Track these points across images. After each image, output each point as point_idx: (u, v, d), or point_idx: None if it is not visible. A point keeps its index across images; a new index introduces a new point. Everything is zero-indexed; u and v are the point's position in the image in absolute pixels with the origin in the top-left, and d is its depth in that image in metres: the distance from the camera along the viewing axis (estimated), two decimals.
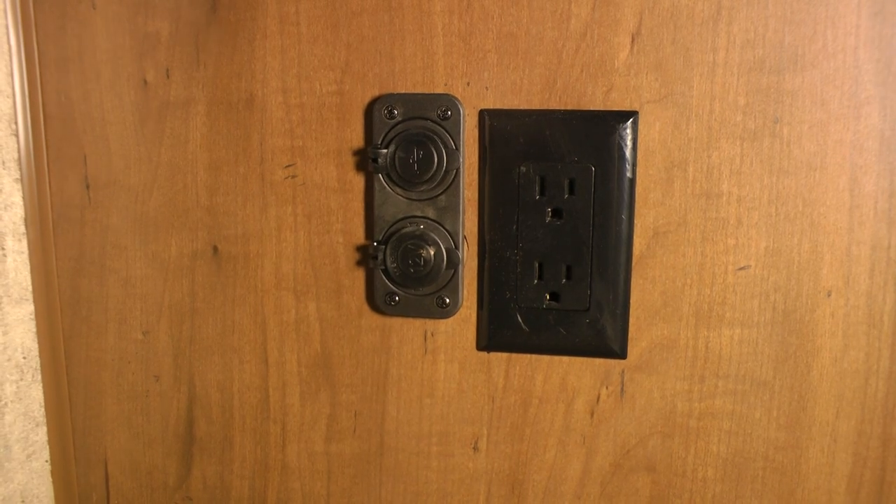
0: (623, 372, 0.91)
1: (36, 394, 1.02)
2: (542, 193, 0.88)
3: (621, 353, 0.90)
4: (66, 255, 1.00)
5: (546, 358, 0.93)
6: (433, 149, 0.89)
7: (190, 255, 0.98)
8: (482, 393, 0.95)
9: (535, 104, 0.88)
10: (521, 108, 0.88)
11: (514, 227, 0.89)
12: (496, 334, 0.93)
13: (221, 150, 0.95)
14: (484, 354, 0.94)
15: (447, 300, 0.92)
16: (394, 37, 0.89)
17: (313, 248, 0.95)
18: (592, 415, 0.93)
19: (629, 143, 0.86)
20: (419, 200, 0.91)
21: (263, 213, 0.95)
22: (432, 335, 0.95)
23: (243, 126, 0.94)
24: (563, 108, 0.88)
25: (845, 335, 0.86)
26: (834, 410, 0.88)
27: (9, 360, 0.98)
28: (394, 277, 0.92)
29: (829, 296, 0.86)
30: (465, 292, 0.93)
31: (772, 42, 0.82)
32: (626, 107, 0.86)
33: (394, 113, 0.89)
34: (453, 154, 0.89)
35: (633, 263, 0.89)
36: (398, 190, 0.91)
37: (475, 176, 0.90)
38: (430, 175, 0.89)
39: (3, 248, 0.96)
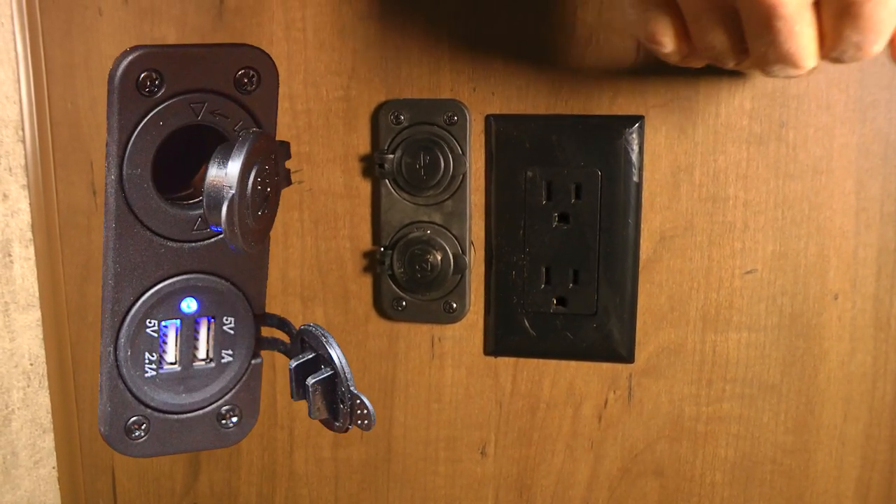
0: (630, 376, 0.91)
1: (43, 400, 1.02)
2: (548, 198, 0.88)
3: (629, 358, 0.90)
4: (73, 262, 1.00)
5: (553, 363, 0.93)
6: (440, 154, 0.89)
7: None
8: (490, 398, 0.95)
9: (542, 109, 0.88)
10: (528, 113, 0.88)
11: (521, 231, 0.89)
12: (503, 339, 0.93)
13: None
14: (491, 359, 0.94)
15: (454, 305, 0.92)
16: (400, 42, 0.90)
17: (320, 254, 0.95)
18: (600, 419, 0.93)
19: (635, 147, 0.86)
20: (426, 205, 0.91)
21: None
22: (439, 340, 0.95)
23: None
24: (569, 112, 0.88)
25: (852, 338, 0.86)
26: (842, 414, 0.88)
27: (16, 366, 0.98)
28: (401, 283, 0.92)
29: (836, 299, 0.86)
30: (472, 297, 0.93)
31: None
32: (632, 111, 0.86)
33: (400, 118, 0.89)
34: (460, 159, 0.89)
35: (640, 268, 0.89)
36: (405, 195, 0.91)
37: (482, 181, 0.90)
38: (436, 180, 0.89)
39: (9, 255, 0.96)
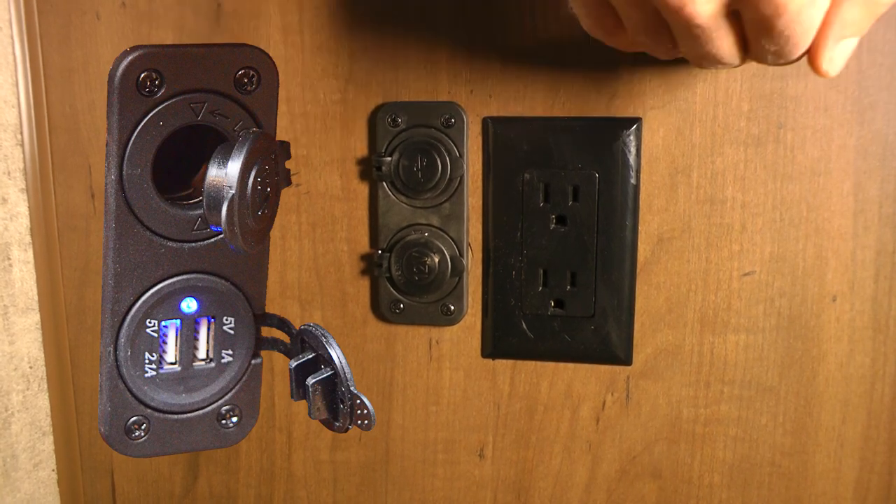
0: (628, 378, 0.91)
1: (42, 403, 1.02)
2: (546, 200, 0.88)
3: (626, 360, 0.90)
4: (71, 265, 1.00)
5: (551, 365, 0.93)
6: (437, 156, 0.89)
7: None
8: (487, 400, 0.95)
9: (539, 111, 0.88)
10: (525, 115, 0.88)
11: (519, 234, 0.90)
12: (501, 341, 0.93)
13: None
14: (489, 361, 0.94)
15: (452, 308, 0.92)
16: (397, 45, 0.90)
17: (318, 257, 0.95)
18: (598, 421, 0.93)
19: (633, 149, 0.86)
20: (423, 208, 0.91)
21: None
22: (437, 343, 0.95)
23: None
24: (566, 114, 0.88)
25: (851, 340, 0.86)
26: (840, 415, 0.88)
27: (15, 369, 0.98)
28: (398, 285, 0.92)
29: (834, 301, 0.86)
30: (470, 300, 0.93)
31: None
32: (629, 113, 0.86)
33: (397, 121, 0.89)
34: (457, 162, 0.89)
35: (638, 270, 0.89)
36: (402, 198, 0.91)
37: (479, 183, 0.90)
38: (434, 183, 0.89)
39: (8, 258, 0.96)
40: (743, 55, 0.63)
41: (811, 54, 0.60)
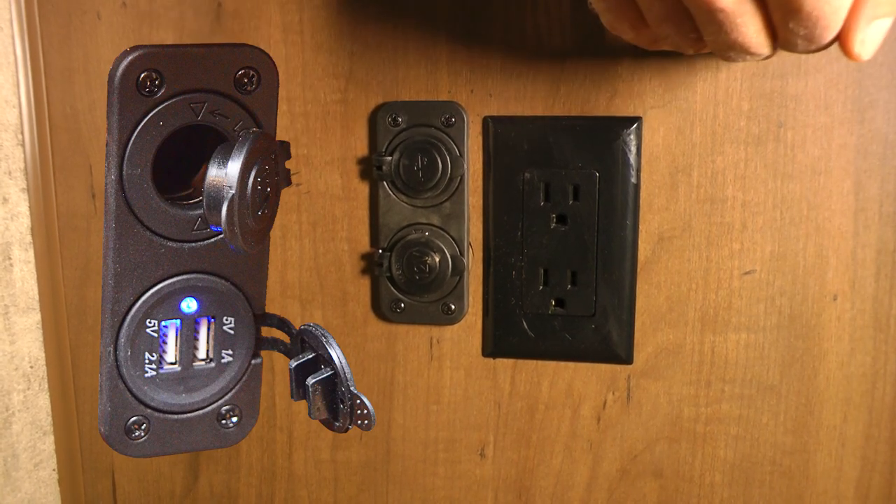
0: (629, 377, 0.91)
1: (43, 403, 1.02)
2: (546, 199, 0.88)
3: (627, 359, 0.90)
4: (72, 265, 1.00)
5: (552, 364, 0.93)
6: (437, 156, 0.89)
7: None
8: (488, 399, 0.95)
9: (539, 110, 0.88)
10: (526, 114, 0.88)
11: (519, 233, 0.90)
12: (502, 341, 0.92)
13: None
14: (490, 361, 0.94)
15: (452, 307, 0.92)
16: (397, 44, 0.90)
17: (318, 256, 0.95)
18: (599, 420, 0.93)
19: (633, 148, 0.86)
20: (424, 207, 0.91)
21: None
22: (438, 342, 0.95)
23: None
24: (567, 114, 0.88)
25: (851, 339, 0.86)
26: (841, 414, 0.88)
27: (16, 369, 0.98)
28: (399, 285, 0.92)
29: (834, 299, 0.86)
30: (471, 299, 0.93)
31: None
32: (629, 112, 0.86)
33: (398, 120, 0.89)
34: (457, 161, 0.89)
35: (639, 269, 0.89)
36: (403, 197, 0.91)
37: (480, 183, 0.90)
38: (434, 182, 0.89)
39: (9, 258, 0.96)
40: (771, 43, 0.61)
41: (842, 37, 0.58)
